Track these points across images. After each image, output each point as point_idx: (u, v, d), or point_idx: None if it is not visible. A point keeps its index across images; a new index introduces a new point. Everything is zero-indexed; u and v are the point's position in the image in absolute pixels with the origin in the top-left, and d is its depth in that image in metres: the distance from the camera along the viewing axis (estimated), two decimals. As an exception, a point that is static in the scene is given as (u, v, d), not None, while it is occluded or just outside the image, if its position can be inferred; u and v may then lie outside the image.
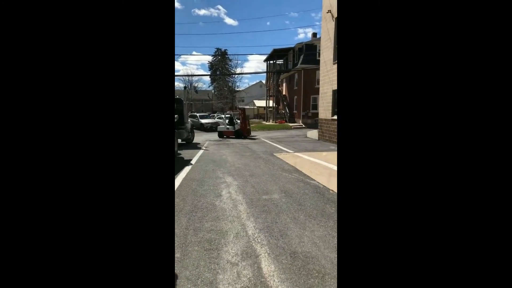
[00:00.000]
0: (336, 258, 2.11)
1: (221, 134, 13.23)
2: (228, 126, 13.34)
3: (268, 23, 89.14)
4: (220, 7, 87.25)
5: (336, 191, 3.90)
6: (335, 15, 9.72)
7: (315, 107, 18.76)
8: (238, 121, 13.70)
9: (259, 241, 2.42)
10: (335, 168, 5.40)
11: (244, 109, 13.86)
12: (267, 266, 2.01)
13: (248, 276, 1.90)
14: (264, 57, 27.89)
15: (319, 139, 11.20)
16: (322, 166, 5.63)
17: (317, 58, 16.67)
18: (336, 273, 1.92)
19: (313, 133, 12.31)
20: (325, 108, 10.81)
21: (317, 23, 79.73)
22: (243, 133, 12.83)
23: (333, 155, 7.09)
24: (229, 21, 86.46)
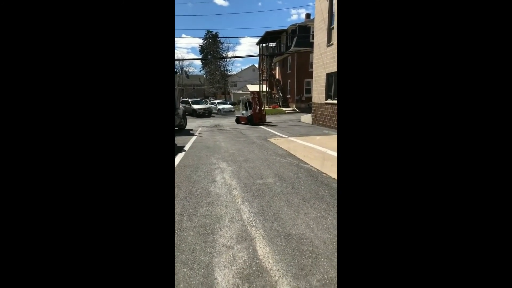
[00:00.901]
0: (329, 239, 2.17)
1: (238, 120, 12.62)
2: (243, 112, 12.54)
3: (259, 4, 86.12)
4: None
5: (329, 175, 3.95)
6: (329, -6, 9.41)
7: (309, 91, 18.62)
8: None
9: (254, 224, 2.46)
10: (329, 152, 5.46)
11: (259, 92, 12.48)
12: (262, 248, 2.06)
13: (244, 258, 1.94)
14: (257, 39, 27.18)
15: (312, 124, 11.22)
16: (315, 150, 5.67)
17: (311, 41, 16.33)
18: (329, 253, 1.98)
19: (306, 118, 12.30)
20: (318, 92, 10.74)
21: (311, 3, 77.41)
22: (254, 120, 11.40)
23: (327, 139, 7.13)
24: (219, 1, 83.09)
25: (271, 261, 1.90)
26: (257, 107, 11.75)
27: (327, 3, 9.63)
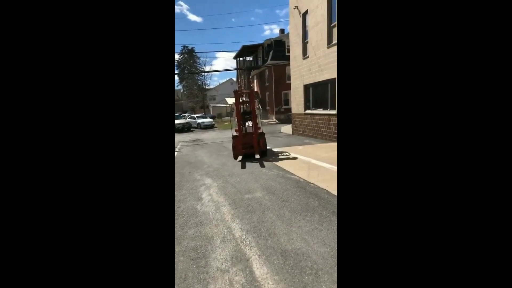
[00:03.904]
0: (327, 252, 2.11)
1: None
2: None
3: (233, 20, 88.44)
4: (182, 3, 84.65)
5: (316, 185, 3.95)
6: (302, 11, 9.87)
7: (287, 102, 19.04)
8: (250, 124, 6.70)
9: (248, 243, 2.35)
10: (313, 161, 5.51)
11: (251, 91, 6.61)
12: (259, 269, 1.95)
13: (241, 282, 1.81)
14: (233, 54, 27.61)
15: (293, 134, 11.38)
16: (300, 160, 5.70)
17: (287, 54, 16.88)
18: (328, 267, 1.92)
19: (287, 128, 12.48)
20: (297, 103, 10.99)
21: (282, 19, 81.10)
22: (237, 150, 6.19)
23: (309, 149, 7.24)
24: (192, 17, 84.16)
25: (270, 283, 1.79)
26: (248, 123, 6.68)
27: (300, 19, 10.07)
